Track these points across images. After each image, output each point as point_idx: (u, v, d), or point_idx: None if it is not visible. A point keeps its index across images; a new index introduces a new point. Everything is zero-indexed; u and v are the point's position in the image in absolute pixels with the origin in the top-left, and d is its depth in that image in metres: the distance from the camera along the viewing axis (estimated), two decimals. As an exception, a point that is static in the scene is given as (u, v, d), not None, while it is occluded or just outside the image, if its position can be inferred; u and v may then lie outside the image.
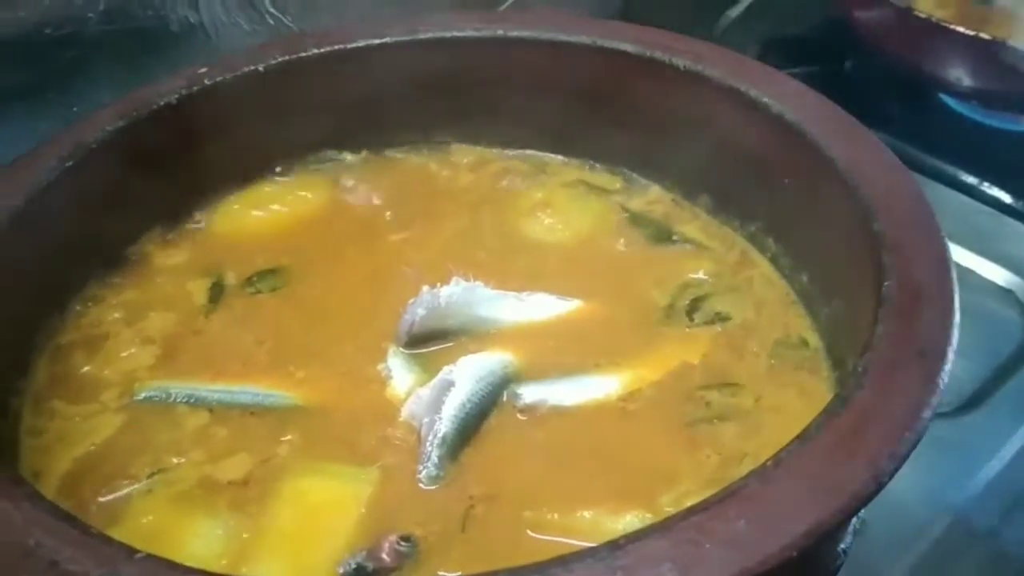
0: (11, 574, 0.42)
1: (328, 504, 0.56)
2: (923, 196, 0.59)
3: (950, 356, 0.49)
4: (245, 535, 0.55)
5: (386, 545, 0.52)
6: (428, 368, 0.64)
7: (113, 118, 0.71)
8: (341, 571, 0.51)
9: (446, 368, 0.62)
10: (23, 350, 0.65)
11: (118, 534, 0.50)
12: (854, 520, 0.53)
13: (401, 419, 0.58)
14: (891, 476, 0.43)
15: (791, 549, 0.40)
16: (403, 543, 0.52)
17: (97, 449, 0.60)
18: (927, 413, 0.46)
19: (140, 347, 0.68)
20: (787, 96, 0.68)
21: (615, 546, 0.40)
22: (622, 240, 0.76)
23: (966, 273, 0.87)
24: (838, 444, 0.44)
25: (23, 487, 0.46)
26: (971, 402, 0.78)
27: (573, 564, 0.39)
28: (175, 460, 0.59)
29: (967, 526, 0.70)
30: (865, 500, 0.42)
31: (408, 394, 0.62)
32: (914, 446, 0.44)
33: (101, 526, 0.52)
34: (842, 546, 0.54)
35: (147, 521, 0.56)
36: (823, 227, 0.64)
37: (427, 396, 0.60)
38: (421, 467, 0.57)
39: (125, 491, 0.57)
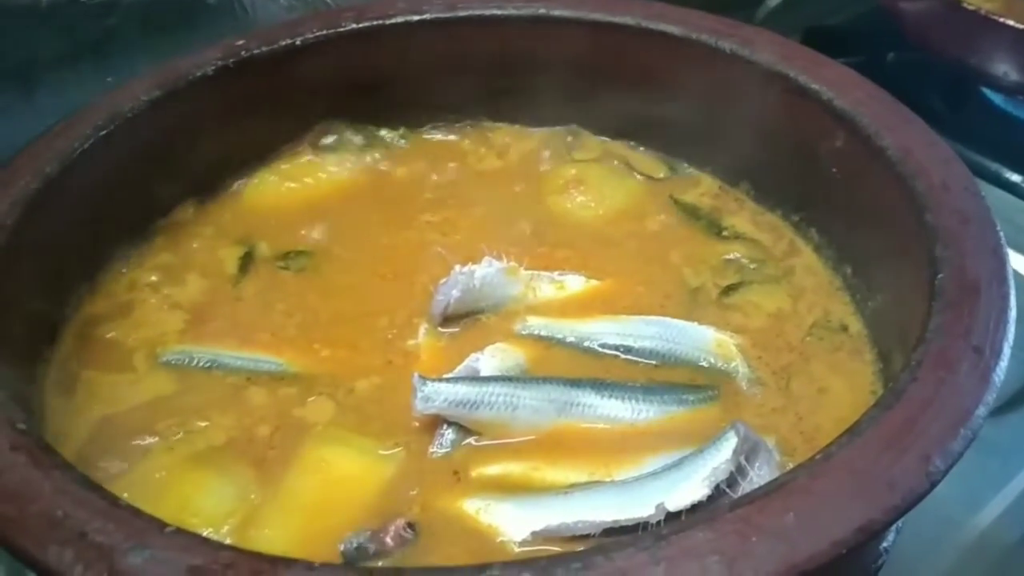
0: (40, 544, 0.41)
1: (347, 477, 0.56)
2: (977, 189, 0.58)
3: (1006, 352, 0.47)
4: (255, 497, 0.54)
5: (392, 529, 0.51)
6: (458, 346, 0.64)
7: (149, 88, 0.70)
8: (342, 548, 0.50)
9: (472, 356, 0.62)
10: (53, 318, 0.65)
11: (125, 486, 0.52)
12: (898, 519, 0.52)
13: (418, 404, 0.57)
14: (944, 474, 0.42)
15: (841, 546, 0.39)
16: (408, 529, 0.51)
17: (123, 410, 0.60)
18: (982, 410, 0.44)
19: (168, 313, 0.67)
20: (837, 83, 0.66)
21: (659, 536, 0.39)
22: (655, 218, 0.76)
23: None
24: (890, 439, 0.43)
25: (52, 456, 0.46)
26: (1011, 402, 0.76)
27: (615, 554, 0.38)
28: (201, 423, 0.59)
29: (1004, 528, 0.68)
30: (917, 499, 0.41)
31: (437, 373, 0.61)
32: (969, 444, 0.43)
33: (112, 477, 0.54)
34: (885, 544, 0.53)
35: (159, 476, 0.56)
36: (872, 218, 0.63)
37: (452, 382, 0.59)
38: (434, 448, 0.57)
39: (144, 446, 0.57)
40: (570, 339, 0.64)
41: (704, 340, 0.64)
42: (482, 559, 0.44)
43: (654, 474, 0.53)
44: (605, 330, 0.64)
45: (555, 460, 0.56)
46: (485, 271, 0.65)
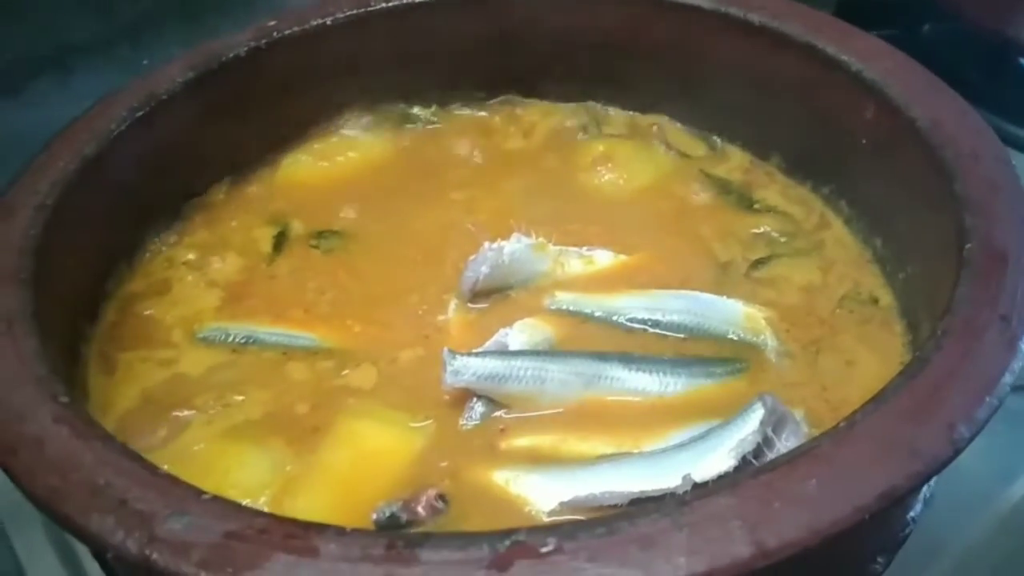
0: (82, 512, 0.42)
1: (380, 449, 0.57)
2: (1008, 159, 0.57)
3: (1034, 321, 0.47)
4: (290, 469, 0.56)
5: (424, 499, 0.52)
6: (487, 321, 0.64)
7: (183, 70, 0.71)
8: (375, 517, 0.51)
9: (502, 331, 0.62)
10: (93, 296, 0.66)
11: (165, 458, 0.53)
12: (924, 488, 0.52)
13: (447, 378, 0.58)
14: (969, 441, 0.42)
15: (863, 511, 0.39)
16: (440, 500, 0.52)
17: (161, 385, 0.62)
18: (1008, 378, 0.44)
19: (205, 291, 0.69)
20: (866, 54, 0.66)
21: (682, 502, 0.39)
22: (685, 192, 0.76)
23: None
24: (915, 407, 0.43)
25: (94, 428, 0.47)
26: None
27: (639, 520, 0.39)
28: (238, 397, 0.61)
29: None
30: (941, 465, 0.41)
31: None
32: (994, 411, 0.43)
33: (151, 449, 0.55)
34: (912, 514, 0.53)
35: (198, 448, 0.57)
36: (902, 189, 0.63)
37: (481, 356, 0.59)
38: (464, 421, 0.58)
39: (183, 420, 0.59)
40: (598, 314, 0.64)
41: (733, 313, 0.64)
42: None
43: (681, 445, 0.53)
44: (633, 304, 0.65)
45: (583, 432, 0.57)
46: (514, 247, 0.66)
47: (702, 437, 0.53)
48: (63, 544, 0.64)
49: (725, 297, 0.65)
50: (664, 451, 0.54)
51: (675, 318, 0.64)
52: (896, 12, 1.13)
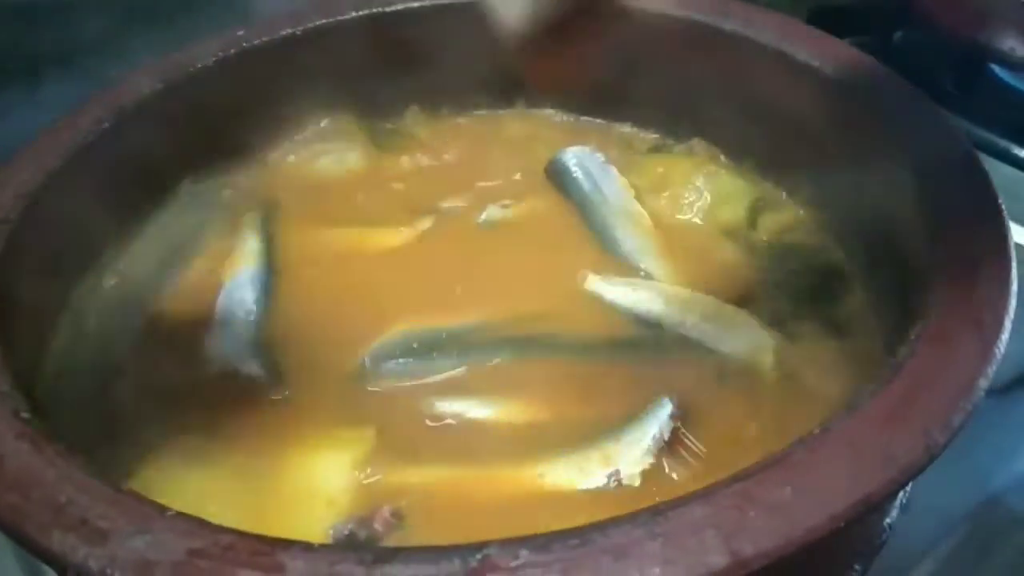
0: (43, 530, 0.41)
1: (328, 470, 0.56)
2: (980, 163, 0.57)
3: (1007, 325, 0.47)
4: (246, 497, 0.54)
5: (378, 516, 0.52)
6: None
7: (151, 81, 0.71)
8: (332, 534, 0.51)
9: None
10: (56, 310, 0.65)
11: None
12: (900, 494, 0.52)
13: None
14: (944, 447, 0.41)
15: (839, 520, 0.38)
16: (394, 516, 0.52)
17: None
18: (983, 383, 0.44)
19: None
20: (839, 61, 0.66)
21: (655, 512, 0.39)
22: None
23: (1015, 248, 0.84)
24: (889, 413, 0.42)
25: (55, 444, 0.46)
26: (1017, 381, 0.76)
27: (611, 530, 0.38)
28: None
29: (1009, 506, 0.68)
30: (916, 472, 0.41)
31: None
32: (969, 416, 0.43)
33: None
34: (888, 520, 0.52)
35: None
36: (875, 195, 0.63)
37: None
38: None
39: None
40: None
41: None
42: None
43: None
44: None
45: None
46: None
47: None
48: (34, 568, 0.63)
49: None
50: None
51: None
52: (868, 19, 1.14)
